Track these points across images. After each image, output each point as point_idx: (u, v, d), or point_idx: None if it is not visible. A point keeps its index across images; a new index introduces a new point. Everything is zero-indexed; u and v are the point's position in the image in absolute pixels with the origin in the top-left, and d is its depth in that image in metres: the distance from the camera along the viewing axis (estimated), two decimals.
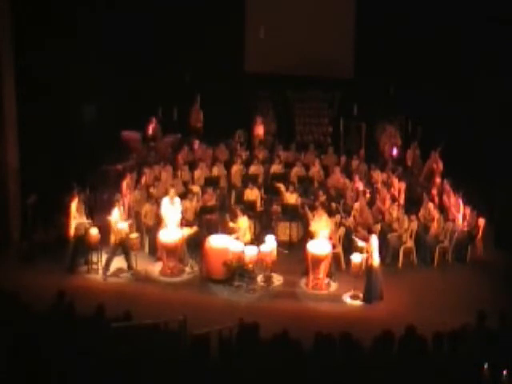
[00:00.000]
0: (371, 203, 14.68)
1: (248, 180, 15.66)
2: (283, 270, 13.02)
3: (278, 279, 12.88)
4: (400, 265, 13.56)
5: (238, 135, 18.56)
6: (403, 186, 15.73)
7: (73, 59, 15.78)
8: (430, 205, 14.44)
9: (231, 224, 13.31)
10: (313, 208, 13.99)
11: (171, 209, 13.35)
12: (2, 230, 13.71)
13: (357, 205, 14.26)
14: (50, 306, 8.90)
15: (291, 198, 14.68)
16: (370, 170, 16.54)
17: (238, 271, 12.54)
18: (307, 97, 19.88)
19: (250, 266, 12.46)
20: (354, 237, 12.89)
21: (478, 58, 16.18)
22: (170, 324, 9.09)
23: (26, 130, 13.99)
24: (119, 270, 13.06)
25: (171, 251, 13.05)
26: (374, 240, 12.12)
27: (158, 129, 18.56)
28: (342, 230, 13.62)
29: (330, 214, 13.70)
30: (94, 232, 12.96)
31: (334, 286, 12.76)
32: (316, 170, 16.51)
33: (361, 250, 12.40)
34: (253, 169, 16.50)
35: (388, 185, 15.67)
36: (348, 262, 12.73)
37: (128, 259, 13.07)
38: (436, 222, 13.94)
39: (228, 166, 16.71)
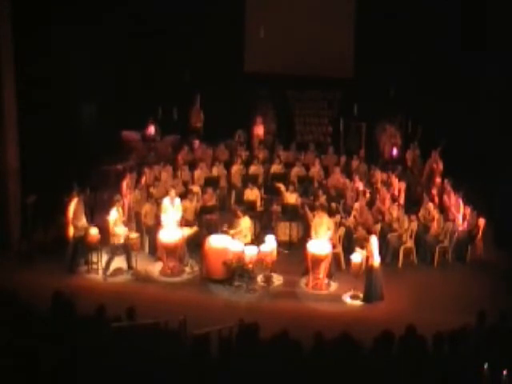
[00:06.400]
0: (371, 203, 14.68)
1: (248, 180, 15.66)
2: (283, 269, 13.02)
3: (278, 279, 12.88)
4: (400, 265, 13.56)
5: (238, 135, 18.58)
6: (403, 185, 15.75)
7: (73, 59, 15.80)
8: (430, 205, 14.44)
9: (231, 231, 13.26)
10: (313, 208, 14.00)
11: (171, 209, 13.35)
12: (2, 229, 13.71)
13: (357, 205, 14.27)
14: (50, 306, 8.89)
15: (291, 197, 14.69)
16: (369, 169, 16.55)
17: (237, 271, 12.53)
18: (307, 97, 19.89)
19: (250, 266, 12.45)
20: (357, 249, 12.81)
21: (479, 58, 16.18)
22: (170, 324, 9.09)
23: (26, 129, 14.00)
24: (119, 270, 13.06)
25: (171, 251, 13.05)
26: (374, 240, 12.12)
27: (158, 129, 18.57)
28: (341, 230, 13.62)
29: (330, 214, 13.71)
30: (94, 232, 12.96)
31: (333, 285, 12.76)
32: (316, 170, 16.52)
33: (361, 247, 12.43)
34: (253, 169, 16.51)
35: (388, 185, 15.67)
36: (348, 262, 12.73)
37: (128, 259, 13.07)
38: (436, 222, 13.94)
39: (228, 166, 16.72)
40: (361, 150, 17.81)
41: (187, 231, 13.52)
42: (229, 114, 18.32)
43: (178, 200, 13.56)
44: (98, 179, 15.93)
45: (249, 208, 14.17)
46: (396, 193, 15.51)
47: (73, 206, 12.91)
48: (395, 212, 14.10)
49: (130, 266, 13.09)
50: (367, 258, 12.09)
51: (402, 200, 15.30)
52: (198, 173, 16.16)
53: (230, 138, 18.41)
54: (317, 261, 12.56)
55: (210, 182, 15.41)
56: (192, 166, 16.56)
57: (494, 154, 15.16)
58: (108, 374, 7.18)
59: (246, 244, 12.93)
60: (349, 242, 13.62)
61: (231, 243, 12.83)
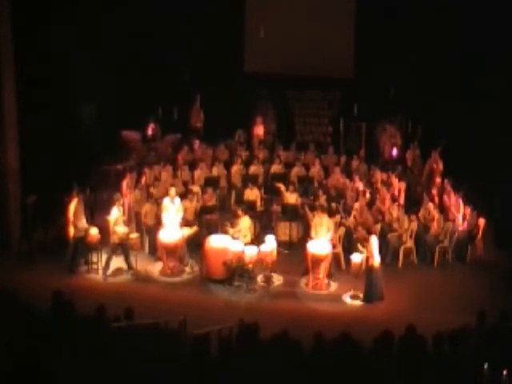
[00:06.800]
0: (371, 203, 14.68)
1: (248, 180, 15.66)
2: (283, 269, 13.02)
3: (278, 279, 12.88)
4: (400, 265, 13.56)
5: (238, 135, 18.58)
6: (403, 185, 15.75)
7: (73, 59, 15.80)
8: (430, 205, 14.44)
9: (231, 230, 13.26)
10: (313, 208, 14.00)
11: (171, 209, 13.35)
12: (2, 229, 13.71)
13: (357, 205, 14.26)
14: (50, 306, 8.90)
15: (291, 197, 14.68)
16: (369, 170, 16.55)
17: (237, 271, 12.53)
18: (307, 97, 19.89)
19: (250, 266, 12.45)
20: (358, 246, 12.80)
21: (479, 58, 16.19)
22: (170, 324, 9.09)
23: (26, 130, 14.00)
24: (119, 270, 13.06)
25: (171, 251, 13.05)
26: (374, 240, 12.12)
27: (158, 129, 18.57)
28: (342, 230, 13.62)
29: (330, 214, 13.70)
30: (94, 232, 12.96)
31: (333, 285, 12.76)
32: (316, 170, 16.52)
33: (362, 245, 12.44)
34: (253, 169, 16.51)
35: (388, 185, 15.67)
36: (348, 262, 12.73)
37: (128, 259, 13.07)
38: (436, 222, 13.94)
39: (228, 166, 16.72)
40: (361, 150, 17.81)
41: (187, 231, 13.52)
42: (229, 114, 18.30)
43: (177, 200, 13.56)
44: (97, 179, 15.92)
45: (249, 208, 14.16)
46: (396, 193, 15.50)
47: (73, 206, 12.90)
48: (395, 212, 14.09)
49: (129, 266, 13.09)
50: (367, 258, 12.09)
51: (402, 200, 15.29)
52: (198, 173, 16.16)
53: (230, 138, 18.41)
54: (317, 261, 12.56)
55: (210, 182, 15.41)
56: (192, 166, 16.56)
57: (494, 154, 15.16)
58: (108, 374, 7.19)
59: (246, 244, 12.93)
60: (349, 242, 13.62)
61: (231, 243, 12.83)
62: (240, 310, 11.44)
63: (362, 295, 12.16)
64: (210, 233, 13.51)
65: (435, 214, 14.13)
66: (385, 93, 18.33)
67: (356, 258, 12.25)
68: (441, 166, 16.32)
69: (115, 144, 17.55)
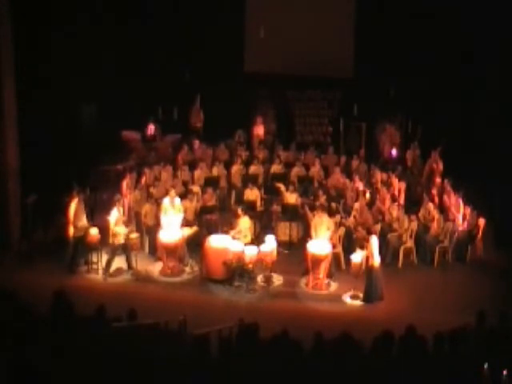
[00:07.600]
0: (371, 203, 14.68)
1: (248, 180, 15.67)
2: (283, 270, 13.02)
3: (278, 279, 12.88)
4: (400, 265, 13.56)
5: (238, 135, 18.59)
6: (403, 185, 15.75)
7: (73, 59, 15.80)
8: (430, 205, 14.44)
9: (232, 232, 13.25)
10: (313, 208, 14.00)
11: (171, 209, 13.35)
12: (2, 229, 13.70)
13: (357, 205, 14.26)
14: (50, 306, 8.90)
15: (291, 197, 14.68)
16: (369, 170, 16.55)
17: (237, 271, 12.53)
18: (307, 97, 19.90)
19: (250, 266, 12.45)
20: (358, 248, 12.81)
21: (478, 58, 16.20)
22: (170, 324, 9.09)
23: (26, 130, 14.00)
24: (119, 270, 13.05)
25: (171, 251, 13.05)
26: (374, 240, 12.12)
27: (158, 129, 18.58)
28: (342, 230, 13.62)
29: (330, 214, 13.70)
30: (94, 232, 12.96)
31: (333, 285, 12.76)
32: (316, 170, 16.53)
33: (361, 247, 12.43)
34: (253, 169, 16.51)
35: (388, 185, 15.67)
36: (348, 262, 12.73)
37: (128, 259, 13.07)
38: (436, 222, 13.93)
39: (228, 166, 16.72)
40: (361, 149, 17.82)
41: (187, 231, 13.52)
42: (229, 114, 18.31)
43: (178, 200, 13.56)
44: (97, 179, 15.93)
45: (249, 208, 14.17)
46: (396, 193, 15.50)
47: (73, 206, 12.90)
48: (395, 212, 14.09)
49: (130, 266, 13.09)
50: (367, 258, 12.09)
51: (401, 200, 15.29)
52: (198, 173, 16.16)
53: (230, 138, 18.41)
54: (317, 261, 12.55)
55: (210, 182, 15.41)
56: (192, 166, 16.56)
57: (494, 153, 15.16)
58: (108, 374, 7.18)
59: (246, 244, 12.93)
60: (349, 242, 13.62)
61: (231, 243, 12.83)
62: (240, 309, 11.43)
63: (361, 295, 12.16)
64: (210, 233, 13.51)
65: (435, 214, 14.13)
66: (385, 93, 18.34)
67: (356, 257, 12.24)
68: (441, 166, 16.32)
69: (115, 144, 17.56)
